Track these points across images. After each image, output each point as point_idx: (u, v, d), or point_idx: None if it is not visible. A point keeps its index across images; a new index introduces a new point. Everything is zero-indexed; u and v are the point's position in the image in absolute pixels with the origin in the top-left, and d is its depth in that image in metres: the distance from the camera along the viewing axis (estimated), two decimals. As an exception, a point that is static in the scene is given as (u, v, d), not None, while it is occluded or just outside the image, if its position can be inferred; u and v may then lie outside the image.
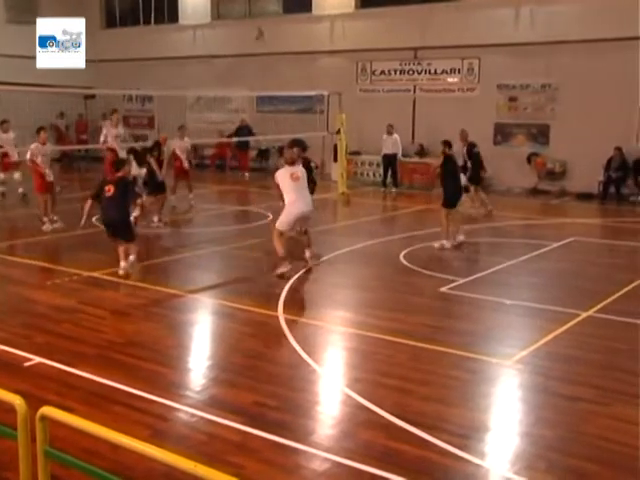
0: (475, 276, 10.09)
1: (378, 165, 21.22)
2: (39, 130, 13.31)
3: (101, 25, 28.17)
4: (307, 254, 10.50)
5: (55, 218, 12.97)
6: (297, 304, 8.59)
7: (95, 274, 9.91)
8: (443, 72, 20.90)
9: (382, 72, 21.88)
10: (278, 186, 10.10)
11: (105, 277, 9.79)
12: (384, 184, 20.14)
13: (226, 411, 5.53)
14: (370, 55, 21.75)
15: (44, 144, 13.24)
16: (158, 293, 9.14)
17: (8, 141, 16.62)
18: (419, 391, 6.06)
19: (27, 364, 6.55)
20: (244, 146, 23.03)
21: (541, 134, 19.57)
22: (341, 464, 4.78)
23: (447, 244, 11.79)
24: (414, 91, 21.42)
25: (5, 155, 16.54)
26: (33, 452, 3.45)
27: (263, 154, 23.95)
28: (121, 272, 9.77)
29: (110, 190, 9.76)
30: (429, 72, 21.13)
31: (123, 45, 26.41)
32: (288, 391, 6.03)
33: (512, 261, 11.02)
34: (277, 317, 8.02)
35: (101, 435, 3.28)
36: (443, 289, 9.30)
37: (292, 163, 10.13)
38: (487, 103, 19.96)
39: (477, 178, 15.37)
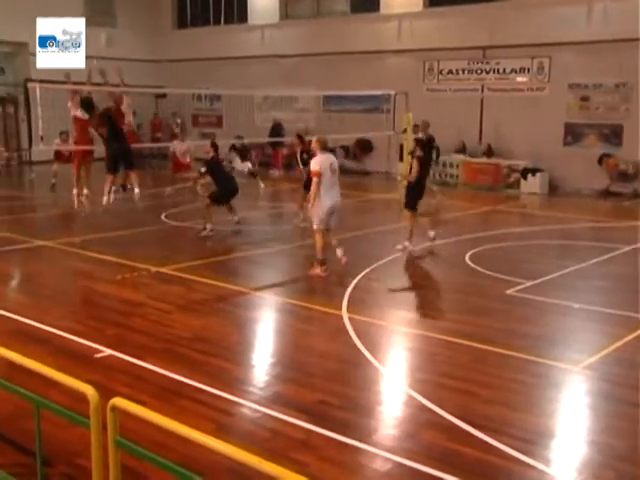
0: (542, 279, 9.90)
1: (445, 165, 21.05)
2: None
3: (173, 26, 28.76)
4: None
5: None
6: (361, 303, 8.59)
7: (163, 269, 10.13)
8: (512, 71, 20.56)
9: (449, 71, 21.67)
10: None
11: (172, 273, 10.00)
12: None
13: (290, 408, 5.58)
14: (437, 54, 21.57)
15: None
16: (224, 290, 9.28)
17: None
18: (482, 394, 6.00)
19: (98, 355, 6.76)
20: (277, 144, 23.21)
21: (614, 134, 19.04)
22: (403, 464, 4.77)
23: (410, 246, 11.40)
24: (482, 91, 21.14)
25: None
26: (104, 441, 3.56)
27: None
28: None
29: None
30: (497, 71, 20.82)
31: (193, 45, 26.89)
32: (351, 390, 6.04)
33: (581, 264, 10.77)
34: (341, 316, 8.04)
35: (169, 428, 3.36)
36: (509, 291, 9.16)
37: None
38: (557, 103, 19.53)
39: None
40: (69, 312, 8.27)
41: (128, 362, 6.59)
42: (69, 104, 13.99)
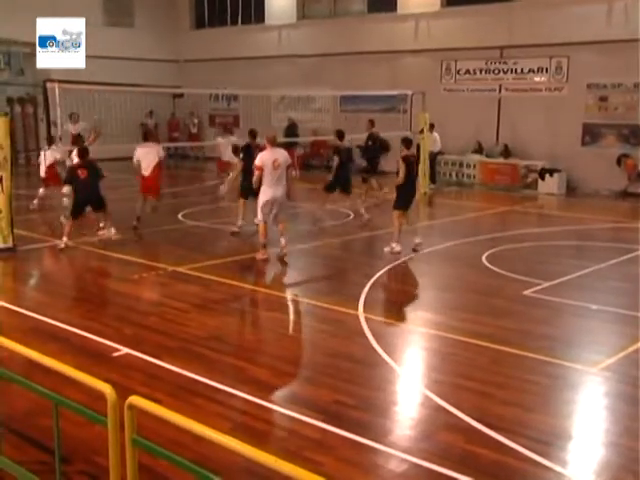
0: (560, 280, 9.84)
1: (461, 165, 20.98)
2: None
3: (190, 26, 28.87)
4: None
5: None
6: (377, 303, 8.59)
7: (180, 269, 10.17)
8: (530, 71, 20.44)
9: (467, 71, 21.58)
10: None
11: (189, 272, 10.04)
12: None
13: (306, 408, 5.59)
14: (455, 54, 21.49)
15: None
16: (240, 289, 9.31)
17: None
18: (499, 395, 5.97)
19: (116, 354, 6.80)
20: (292, 144, 23.12)
21: (633, 135, 18.87)
22: (418, 465, 4.76)
23: (397, 247, 11.25)
24: (499, 91, 21.04)
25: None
26: (121, 440, 3.58)
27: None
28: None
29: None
30: (515, 71, 20.71)
31: (210, 45, 26.98)
32: (367, 390, 6.04)
33: (599, 265, 10.70)
34: (357, 316, 8.04)
35: (186, 426, 3.38)
36: (527, 292, 9.11)
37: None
38: (575, 103, 19.40)
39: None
40: (87, 311, 8.33)
41: (145, 361, 6.63)
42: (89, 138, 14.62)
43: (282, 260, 10.61)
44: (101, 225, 12.09)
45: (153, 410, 3.52)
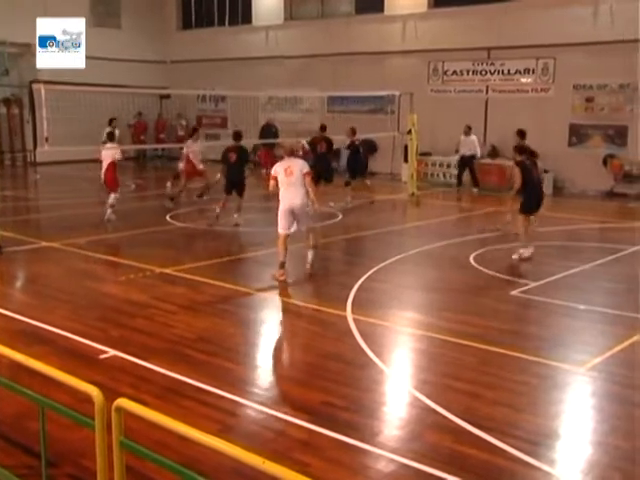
0: (547, 280, 9.88)
1: (449, 166, 21.02)
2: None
3: (177, 27, 28.81)
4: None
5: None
6: (365, 304, 8.58)
7: (167, 270, 10.14)
8: (517, 72, 20.53)
9: (454, 72, 21.65)
10: None
11: (176, 273, 10.01)
12: (459, 184, 20.05)
13: (294, 409, 5.58)
14: (442, 55, 21.55)
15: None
16: (227, 290, 9.28)
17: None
18: (487, 395, 5.98)
19: (103, 356, 6.76)
20: (269, 144, 23.03)
21: (618, 135, 18.99)
22: (407, 466, 4.76)
23: (526, 253, 11.11)
24: (486, 92, 21.11)
25: None
26: (109, 442, 3.55)
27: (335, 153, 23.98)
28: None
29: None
30: (502, 72, 20.79)
31: (198, 46, 26.92)
32: (355, 391, 6.04)
33: (586, 265, 10.75)
34: (345, 317, 8.03)
35: (173, 428, 3.36)
36: (514, 292, 9.14)
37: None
38: (562, 104, 19.49)
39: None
40: (74, 313, 8.28)
41: (132, 363, 6.59)
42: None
43: (309, 275, 10.10)
44: (217, 211, 13.54)
45: (140, 412, 3.50)
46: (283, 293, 9.43)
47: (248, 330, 8.00)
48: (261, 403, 5.74)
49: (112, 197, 14.06)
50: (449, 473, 4.62)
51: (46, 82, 12.94)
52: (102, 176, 14.26)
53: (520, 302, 8.88)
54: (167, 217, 14.55)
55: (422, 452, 4.93)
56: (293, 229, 10.08)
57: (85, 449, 4.37)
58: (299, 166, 9.94)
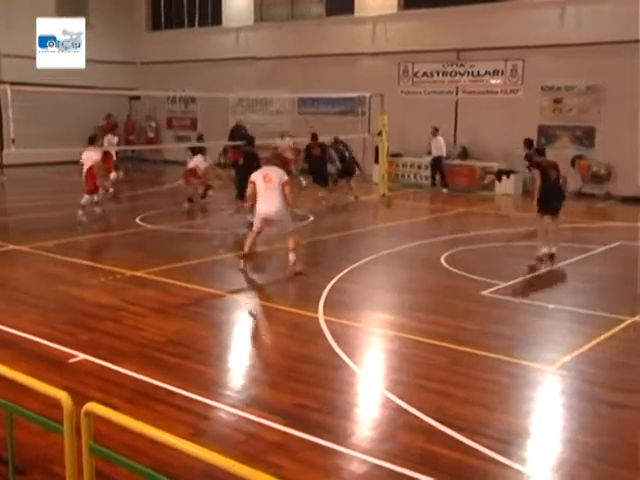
0: (517, 280, 9.98)
1: (419, 167, 21.15)
2: None
3: (147, 27, 28.60)
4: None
5: None
6: (337, 306, 8.59)
7: (138, 273, 10.05)
8: (486, 74, 20.71)
9: (424, 74, 21.78)
10: None
11: (147, 276, 9.92)
12: (433, 184, 20.38)
13: (266, 411, 5.56)
14: (412, 57, 21.67)
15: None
16: (199, 293, 9.23)
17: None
18: (459, 395, 6.02)
19: (72, 360, 6.67)
20: (238, 146, 22.99)
21: (586, 136, 19.25)
22: (380, 466, 4.76)
23: (543, 250, 11.13)
24: (456, 93, 21.27)
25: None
26: (78, 447, 3.51)
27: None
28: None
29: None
30: (472, 74, 20.96)
31: (167, 47, 26.75)
32: (328, 393, 6.03)
33: (556, 265, 10.87)
34: (317, 318, 8.03)
35: (143, 432, 3.33)
36: (485, 292, 9.21)
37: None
38: (531, 105, 19.71)
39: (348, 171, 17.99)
40: (42, 317, 8.16)
41: (102, 367, 6.52)
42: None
43: (296, 274, 10.15)
44: (320, 195, 16.20)
45: (110, 416, 3.46)
46: (255, 295, 9.40)
47: (220, 332, 7.96)
48: (233, 406, 5.71)
49: (85, 198, 14.05)
50: (421, 473, 4.63)
51: (12, 83, 12.75)
52: (83, 178, 14.30)
53: (490, 302, 8.95)
54: (137, 219, 14.44)
55: (394, 452, 4.94)
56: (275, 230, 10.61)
57: (54, 455, 4.31)
58: (278, 175, 10.17)
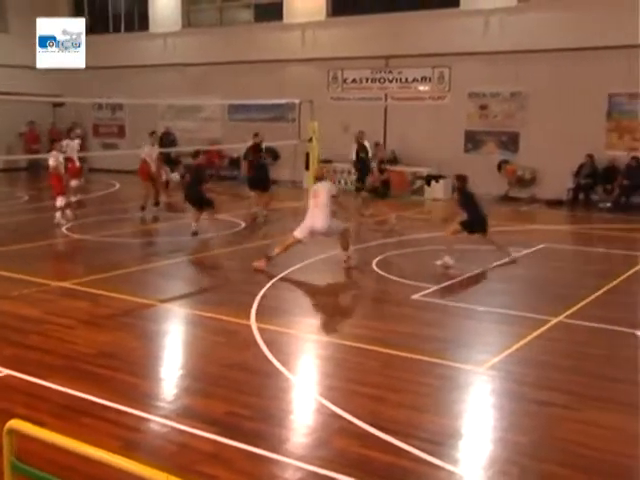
0: (447, 283, 10.14)
1: (350, 173, 21.27)
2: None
3: (70, 33, 27.92)
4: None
5: None
6: (269, 312, 8.55)
7: (64, 284, 9.79)
8: (414, 80, 21.05)
9: (353, 80, 21.98)
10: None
11: (75, 287, 9.67)
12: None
13: (199, 421, 5.48)
14: (341, 63, 21.85)
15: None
16: (129, 303, 9.05)
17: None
18: (392, 398, 6.06)
19: (-5, 376, 6.44)
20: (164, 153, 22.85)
21: (511, 142, 19.78)
22: (315, 473, 4.75)
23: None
24: (385, 99, 21.54)
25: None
26: (1, 467, 3.38)
27: (234, 163, 23.80)
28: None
29: None
30: (400, 80, 21.27)
31: (92, 53, 26.07)
32: (261, 400, 5.99)
33: (483, 268, 11.09)
34: (249, 326, 7.97)
35: (70, 448, 3.22)
36: (415, 296, 9.32)
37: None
38: (458, 111, 20.13)
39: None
40: (-37, 331, 7.85)
41: (28, 382, 6.31)
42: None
43: (350, 268, 10.90)
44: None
45: (35, 433, 3.34)
46: (186, 304, 9.28)
47: (151, 343, 7.81)
48: (164, 416, 5.61)
49: (59, 200, 14.41)
50: (356, 478, 4.64)
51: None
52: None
53: (421, 305, 9.06)
54: (63, 229, 14.08)
55: (329, 458, 4.94)
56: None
57: (-24, 475, 4.14)
58: (326, 189, 10.79)
